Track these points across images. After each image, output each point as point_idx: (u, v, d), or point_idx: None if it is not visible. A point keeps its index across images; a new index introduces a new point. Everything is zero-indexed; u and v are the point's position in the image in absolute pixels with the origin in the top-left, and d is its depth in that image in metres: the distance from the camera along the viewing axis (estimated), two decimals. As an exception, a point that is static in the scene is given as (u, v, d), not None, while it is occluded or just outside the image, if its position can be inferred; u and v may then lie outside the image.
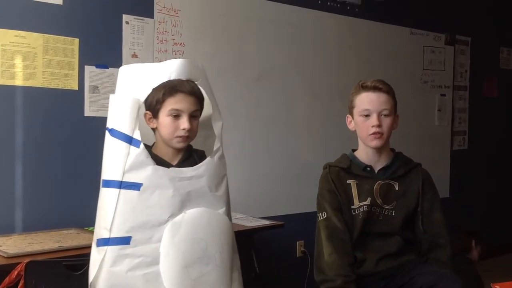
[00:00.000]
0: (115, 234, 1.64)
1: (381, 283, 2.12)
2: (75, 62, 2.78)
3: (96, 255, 1.67)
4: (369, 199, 2.14)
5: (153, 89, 1.71)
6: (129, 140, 1.66)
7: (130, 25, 2.96)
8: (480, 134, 4.91)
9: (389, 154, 2.23)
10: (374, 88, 2.12)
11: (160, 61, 1.88)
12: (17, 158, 2.63)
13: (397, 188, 2.17)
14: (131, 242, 1.63)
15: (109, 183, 1.66)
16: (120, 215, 1.64)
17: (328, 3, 3.81)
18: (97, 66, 2.83)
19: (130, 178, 1.64)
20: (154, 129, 1.82)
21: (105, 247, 1.64)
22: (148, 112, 1.80)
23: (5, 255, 2.11)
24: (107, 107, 1.75)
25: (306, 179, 3.59)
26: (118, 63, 2.78)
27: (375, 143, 2.13)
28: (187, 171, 1.72)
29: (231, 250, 1.79)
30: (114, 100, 1.72)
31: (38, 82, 2.68)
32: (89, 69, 2.82)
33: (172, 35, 3.11)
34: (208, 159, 1.77)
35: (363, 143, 2.19)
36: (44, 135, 2.71)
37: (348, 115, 2.23)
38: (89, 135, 2.76)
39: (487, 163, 4.97)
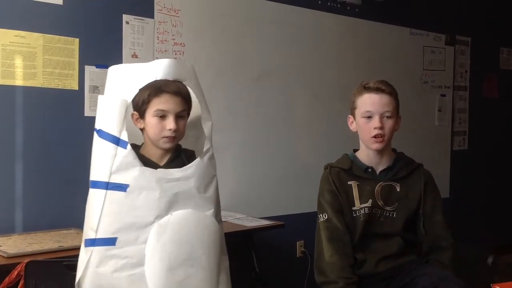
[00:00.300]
0: (101, 235, 1.64)
1: (381, 284, 2.12)
2: (75, 62, 2.78)
3: (84, 255, 1.67)
4: (370, 201, 2.13)
5: (140, 90, 1.71)
6: (116, 141, 1.65)
7: (130, 25, 2.96)
8: (480, 134, 4.91)
9: (391, 155, 2.22)
10: (377, 90, 2.10)
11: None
12: (17, 158, 2.63)
13: (398, 190, 2.17)
14: (116, 243, 1.62)
15: (96, 184, 1.66)
16: (106, 216, 1.64)
17: (328, 3, 3.81)
18: (97, 66, 2.83)
19: (117, 179, 1.64)
20: (142, 130, 1.82)
21: (92, 248, 1.65)
22: (135, 112, 1.80)
23: (5, 255, 2.11)
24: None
25: (306, 179, 3.59)
26: (118, 63, 2.75)
27: (376, 146, 2.12)
28: (175, 172, 1.70)
29: (219, 252, 1.77)
30: (102, 101, 1.71)
31: (38, 82, 2.68)
32: (89, 69, 2.82)
33: (172, 35, 3.11)
34: (197, 160, 1.75)
35: (364, 145, 2.19)
36: (44, 135, 2.71)
37: (349, 116, 2.21)
38: (89, 135, 2.69)
39: (487, 164, 4.97)
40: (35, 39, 2.66)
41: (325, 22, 3.79)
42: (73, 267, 1.89)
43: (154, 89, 1.73)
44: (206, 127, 1.80)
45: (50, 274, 1.92)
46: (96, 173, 1.67)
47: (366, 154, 2.19)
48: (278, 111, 3.59)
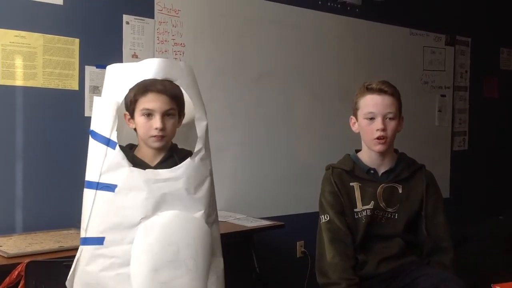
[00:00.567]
0: (90, 234, 1.66)
1: (382, 285, 2.11)
2: (76, 62, 2.78)
3: (77, 254, 1.71)
4: (372, 202, 2.12)
5: (129, 90, 1.72)
6: (107, 142, 1.67)
7: (131, 25, 2.96)
8: (480, 134, 4.91)
9: (393, 156, 2.21)
10: (379, 91, 2.09)
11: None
12: (18, 158, 2.63)
13: (400, 191, 2.16)
14: (104, 243, 1.64)
15: (88, 184, 1.68)
16: (95, 216, 1.66)
17: (328, 4, 3.81)
18: (98, 66, 2.83)
19: (106, 179, 1.65)
20: (135, 130, 1.82)
21: (82, 246, 1.69)
22: (126, 112, 1.81)
23: (6, 255, 2.12)
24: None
25: (306, 179, 3.60)
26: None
27: (379, 148, 2.11)
28: (164, 172, 1.70)
29: (208, 254, 1.74)
30: (96, 102, 1.73)
31: (39, 82, 2.68)
32: (89, 69, 2.82)
33: (173, 35, 3.11)
34: (187, 160, 1.73)
35: (366, 146, 2.18)
36: (45, 135, 2.71)
37: (351, 117, 2.20)
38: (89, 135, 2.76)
39: (487, 164, 4.97)
40: (35, 39, 2.66)
41: (325, 22, 3.79)
42: (74, 268, 1.90)
43: (140, 89, 1.73)
44: (200, 127, 1.79)
45: (51, 274, 1.92)
46: (89, 173, 1.69)
47: (368, 155, 2.19)
48: (278, 111, 3.59)
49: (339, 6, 3.87)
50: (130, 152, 1.82)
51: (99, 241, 1.64)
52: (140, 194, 1.65)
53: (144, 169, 1.70)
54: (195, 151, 1.76)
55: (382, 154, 2.16)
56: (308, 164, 3.65)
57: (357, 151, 2.25)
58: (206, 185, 1.76)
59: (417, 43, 4.41)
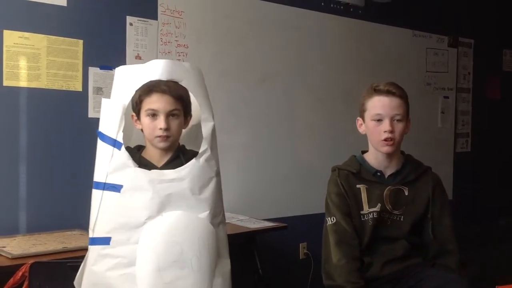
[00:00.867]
0: (97, 234, 1.68)
1: (387, 287, 2.11)
2: (79, 63, 2.79)
3: (86, 254, 1.73)
4: (379, 205, 2.12)
5: (135, 91, 1.74)
6: (113, 142, 1.68)
7: (134, 26, 2.97)
8: (483, 136, 4.90)
9: (400, 158, 2.20)
10: (387, 92, 2.08)
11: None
12: (21, 159, 2.64)
13: (406, 194, 2.15)
14: (110, 243, 1.65)
15: (96, 185, 1.70)
16: (102, 216, 1.68)
17: (331, 5, 3.81)
18: (101, 68, 2.84)
19: (112, 180, 1.67)
20: (142, 131, 1.83)
21: (90, 246, 1.70)
22: (133, 114, 1.83)
23: (10, 256, 2.11)
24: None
25: (309, 181, 3.60)
26: (122, 65, 2.75)
27: (386, 149, 2.10)
28: (169, 173, 1.70)
29: (213, 255, 1.74)
30: (103, 104, 1.75)
31: (42, 83, 2.68)
32: (93, 71, 2.82)
33: (176, 36, 3.12)
34: (192, 161, 1.74)
35: (373, 148, 2.17)
36: (48, 136, 2.71)
37: (358, 118, 2.19)
38: (93, 136, 2.71)
39: (490, 166, 4.96)
40: (39, 40, 2.67)
41: (328, 24, 3.79)
42: (77, 268, 1.90)
43: (145, 89, 1.75)
44: (206, 128, 1.79)
45: (55, 275, 1.93)
46: (97, 174, 1.71)
47: (375, 157, 2.18)
48: (281, 113, 3.59)
49: (342, 7, 3.87)
50: (137, 153, 1.83)
51: (105, 241, 1.65)
52: (145, 195, 1.66)
53: (150, 170, 1.71)
54: (200, 151, 1.76)
55: (389, 156, 2.15)
56: (311, 166, 3.65)
57: (363, 152, 2.24)
58: (211, 185, 1.76)
59: (420, 44, 4.41)
